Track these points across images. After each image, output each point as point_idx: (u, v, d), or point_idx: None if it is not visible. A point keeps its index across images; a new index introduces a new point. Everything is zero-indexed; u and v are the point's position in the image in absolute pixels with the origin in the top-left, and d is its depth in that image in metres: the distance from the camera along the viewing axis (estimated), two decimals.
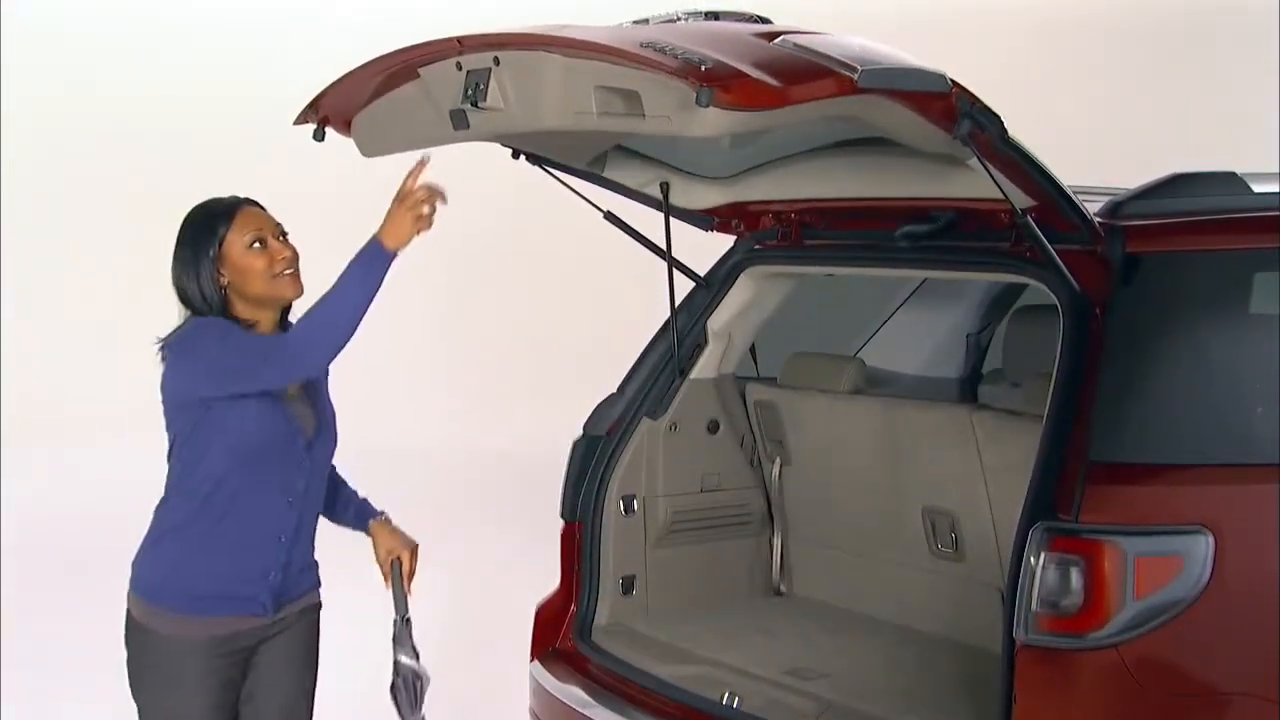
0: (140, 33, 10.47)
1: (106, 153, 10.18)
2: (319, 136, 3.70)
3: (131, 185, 10.11)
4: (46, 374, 9.83)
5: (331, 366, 3.41)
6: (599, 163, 4.13)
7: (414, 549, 3.55)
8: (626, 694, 3.97)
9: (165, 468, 3.31)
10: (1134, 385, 3.25)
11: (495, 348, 10.56)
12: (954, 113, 2.99)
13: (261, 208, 3.32)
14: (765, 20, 3.19)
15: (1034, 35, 11.30)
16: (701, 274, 4.46)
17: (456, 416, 9.98)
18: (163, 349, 3.25)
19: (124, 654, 3.33)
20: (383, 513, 3.58)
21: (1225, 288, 3.44)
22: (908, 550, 4.34)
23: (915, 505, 4.29)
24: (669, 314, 4.44)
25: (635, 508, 4.38)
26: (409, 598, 3.52)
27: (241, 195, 3.34)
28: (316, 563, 3.45)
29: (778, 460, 4.65)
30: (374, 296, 3.09)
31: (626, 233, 4.31)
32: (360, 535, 3.60)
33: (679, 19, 3.25)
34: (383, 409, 9.19)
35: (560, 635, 4.29)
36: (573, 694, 4.04)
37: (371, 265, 3.09)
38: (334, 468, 3.51)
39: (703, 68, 2.80)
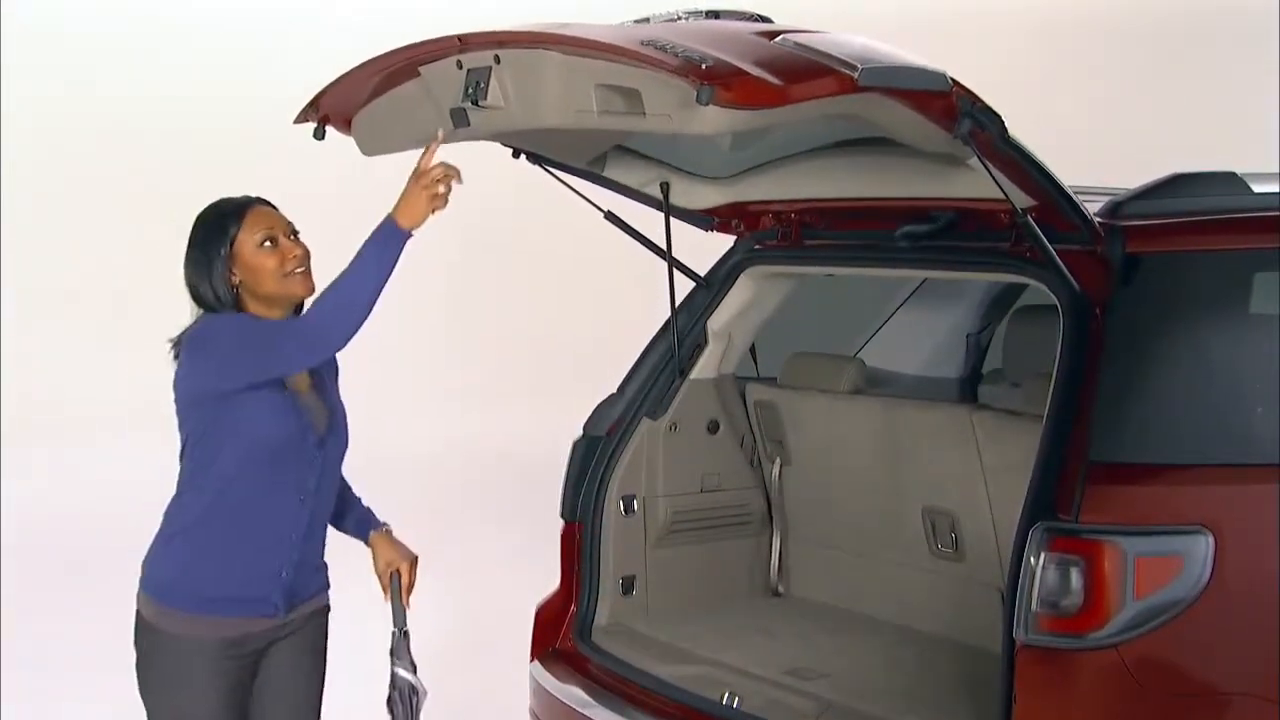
0: (140, 33, 10.46)
1: (106, 153, 10.17)
2: (319, 135, 3.70)
3: (131, 185, 10.11)
4: (46, 374, 9.82)
5: (342, 365, 3.42)
6: (599, 162, 4.13)
7: (413, 562, 3.53)
8: (626, 694, 3.96)
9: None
10: (1134, 385, 3.25)
11: (495, 348, 10.56)
12: (954, 111, 2.99)
13: (273, 207, 3.32)
14: (766, 19, 3.20)
15: (1034, 35, 11.30)
16: (701, 274, 4.46)
17: (456, 416, 9.97)
18: (175, 347, 3.25)
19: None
20: (385, 524, 3.57)
21: (1225, 288, 3.44)
22: (908, 550, 4.34)
23: (915, 505, 4.29)
24: (669, 314, 4.44)
25: (635, 508, 4.38)
26: (408, 611, 3.51)
27: (253, 195, 3.34)
28: (326, 564, 3.44)
29: (778, 460, 4.65)
30: (389, 276, 3.08)
31: (626, 233, 4.31)
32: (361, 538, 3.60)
33: (680, 18, 3.25)
34: (383, 409, 9.16)
35: (560, 635, 4.28)
36: (573, 694, 4.04)
37: (387, 245, 3.08)
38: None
39: (703, 66, 2.80)
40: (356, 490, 3.59)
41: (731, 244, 4.44)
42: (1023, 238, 3.40)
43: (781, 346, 4.69)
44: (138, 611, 3.30)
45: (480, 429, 9.80)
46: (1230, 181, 3.61)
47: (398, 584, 3.50)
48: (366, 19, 9.99)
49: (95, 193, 10.21)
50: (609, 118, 3.10)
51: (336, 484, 3.42)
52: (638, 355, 4.49)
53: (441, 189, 3.11)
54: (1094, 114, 10.96)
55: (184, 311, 3.30)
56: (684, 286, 4.45)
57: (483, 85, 3.25)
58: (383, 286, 3.08)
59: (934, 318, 5.24)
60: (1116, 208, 3.46)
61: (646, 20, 3.23)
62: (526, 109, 3.24)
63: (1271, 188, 3.64)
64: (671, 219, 4.31)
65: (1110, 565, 3.07)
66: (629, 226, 4.31)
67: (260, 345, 3.17)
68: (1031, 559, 3.11)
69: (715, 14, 3.28)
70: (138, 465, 7.84)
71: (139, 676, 3.29)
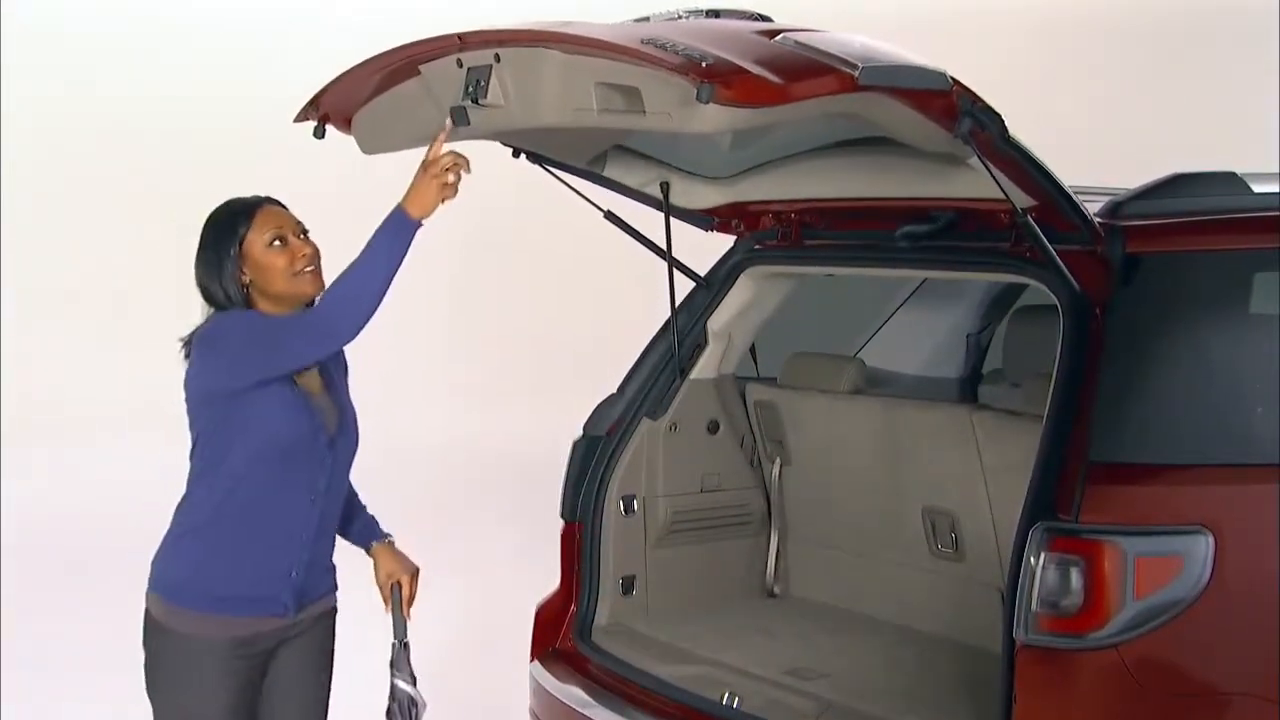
0: (140, 33, 10.47)
1: (106, 153, 10.18)
2: (319, 134, 3.70)
3: (131, 185, 10.12)
4: (46, 374, 9.83)
5: (350, 365, 3.42)
6: (599, 162, 4.13)
7: (415, 574, 3.52)
8: (626, 694, 3.96)
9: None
10: (1134, 385, 3.25)
11: (495, 347, 10.56)
12: (955, 111, 2.98)
13: (283, 206, 3.32)
14: (766, 18, 3.19)
15: (1034, 35, 11.30)
16: (701, 274, 4.45)
17: (456, 416, 9.97)
18: (185, 345, 3.25)
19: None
20: (388, 535, 3.56)
21: (1225, 288, 3.43)
22: (908, 550, 4.34)
23: (915, 505, 4.29)
24: (669, 314, 4.44)
25: (635, 508, 4.38)
26: (408, 623, 3.51)
27: (263, 194, 3.34)
28: (335, 565, 3.44)
29: (778, 460, 4.65)
30: (399, 266, 3.08)
31: (626, 232, 4.31)
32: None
33: (680, 16, 3.25)
34: (383, 408, 9.15)
35: (560, 635, 4.28)
36: (573, 694, 4.03)
37: (397, 234, 3.08)
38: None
39: (703, 64, 2.79)
40: (358, 490, 3.59)
41: (731, 244, 4.44)
42: (1023, 238, 3.39)
43: (781, 346, 4.69)
44: (146, 611, 3.29)
45: (480, 428, 9.80)
46: (1230, 181, 3.61)
47: (398, 595, 3.49)
48: (366, 19, 9.99)
49: (95, 193, 10.22)
50: (609, 116, 3.10)
51: (346, 485, 3.42)
52: (638, 355, 4.49)
53: (451, 178, 3.12)
54: (1094, 114, 10.96)
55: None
56: (684, 286, 4.45)
57: (483, 83, 3.24)
58: (393, 277, 3.08)
59: (934, 318, 5.24)
60: (1116, 208, 3.46)
61: (647, 19, 3.23)
62: (527, 107, 3.24)
63: (1271, 188, 3.64)
64: (671, 219, 4.31)
65: (1110, 565, 3.07)
66: (629, 226, 4.31)
67: (269, 341, 3.17)
68: (1031, 559, 3.11)
69: (715, 13, 3.27)
70: (138, 465, 7.87)
71: (147, 676, 3.29)
